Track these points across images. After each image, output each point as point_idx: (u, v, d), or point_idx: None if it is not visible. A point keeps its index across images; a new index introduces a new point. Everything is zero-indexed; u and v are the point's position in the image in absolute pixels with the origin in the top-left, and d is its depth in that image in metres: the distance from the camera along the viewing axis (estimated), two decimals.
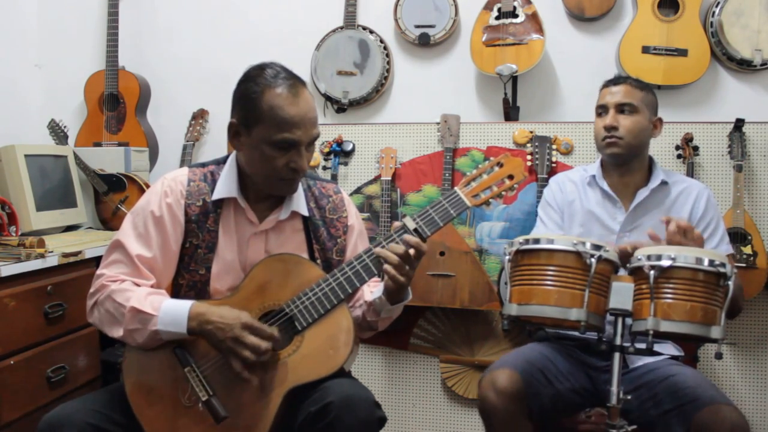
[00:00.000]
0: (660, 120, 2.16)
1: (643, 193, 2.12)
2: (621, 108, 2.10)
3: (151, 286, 1.67)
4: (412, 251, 1.64)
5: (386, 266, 1.64)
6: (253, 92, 1.63)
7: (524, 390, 1.83)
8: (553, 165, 2.65)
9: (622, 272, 1.72)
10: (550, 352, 2.01)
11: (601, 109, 2.15)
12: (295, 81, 1.65)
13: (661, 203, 2.12)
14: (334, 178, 2.85)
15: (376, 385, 2.88)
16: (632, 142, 2.09)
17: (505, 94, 2.78)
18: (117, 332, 1.62)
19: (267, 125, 1.61)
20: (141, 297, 1.60)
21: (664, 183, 2.13)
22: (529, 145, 2.71)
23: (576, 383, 1.97)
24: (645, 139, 2.12)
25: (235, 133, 1.68)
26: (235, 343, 1.55)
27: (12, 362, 1.98)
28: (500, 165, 1.76)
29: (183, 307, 1.60)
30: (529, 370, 1.88)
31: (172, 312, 1.59)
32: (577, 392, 1.97)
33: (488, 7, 2.75)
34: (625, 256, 1.71)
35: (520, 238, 1.71)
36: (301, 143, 1.63)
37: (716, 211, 2.12)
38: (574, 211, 2.19)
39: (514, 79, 2.77)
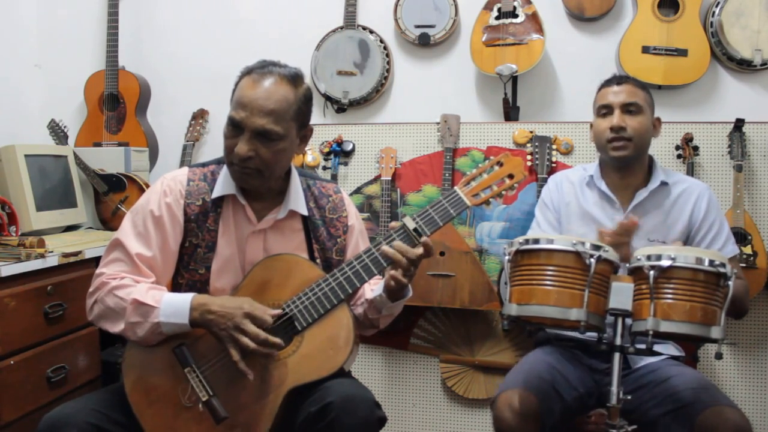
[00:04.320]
0: (659, 120, 2.15)
1: (642, 194, 2.10)
2: (627, 108, 2.05)
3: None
4: (420, 251, 1.64)
5: (392, 272, 1.64)
6: (239, 75, 1.70)
7: (538, 409, 1.82)
8: (553, 165, 2.65)
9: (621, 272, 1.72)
10: (556, 360, 1.99)
11: (605, 109, 2.09)
12: (270, 72, 1.65)
13: (660, 204, 2.10)
14: (334, 178, 2.85)
15: (376, 385, 2.88)
16: (639, 143, 2.07)
17: (505, 94, 2.78)
18: (118, 327, 1.62)
19: (231, 104, 1.68)
20: (142, 291, 1.61)
21: (663, 184, 2.11)
22: (529, 145, 2.71)
23: (583, 389, 1.96)
24: (649, 140, 2.10)
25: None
26: (236, 330, 1.56)
27: (12, 362, 1.98)
28: (500, 164, 1.76)
29: (185, 298, 1.61)
30: (542, 388, 1.87)
31: (174, 303, 1.60)
32: (584, 398, 1.97)
33: (488, 7, 2.75)
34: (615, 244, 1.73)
35: (520, 238, 1.71)
36: (244, 126, 1.62)
37: (719, 212, 2.10)
38: (571, 211, 2.18)
39: (514, 79, 2.77)
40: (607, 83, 2.13)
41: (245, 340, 1.55)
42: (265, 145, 1.63)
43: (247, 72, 1.68)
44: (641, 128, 2.05)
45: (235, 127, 1.64)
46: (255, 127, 1.62)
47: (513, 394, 1.83)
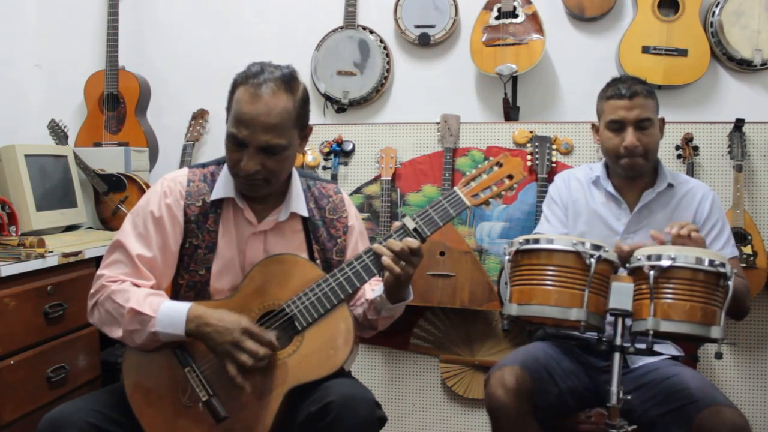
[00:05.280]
0: (663, 120, 2.13)
1: (648, 196, 2.10)
2: (640, 124, 2.01)
3: (151, 287, 1.67)
4: (402, 246, 1.64)
5: (383, 258, 1.64)
6: (233, 83, 1.67)
7: (532, 388, 1.82)
8: (553, 165, 2.65)
9: (621, 272, 1.72)
10: (554, 351, 2.00)
11: (617, 125, 2.02)
12: (265, 81, 1.61)
13: (666, 205, 2.10)
14: (334, 178, 2.85)
15: (376, 385, 2.88)
16: (651, 156, 2.06)
17: (505, 94, 2.78)
18: (117, 333, 1.62)
19: (230, 117, 1.65)
20: (140, 298, 1.60)
21: (670, 186, 2.10)
22: (529, 145, 2.72)
23: (579, 383, 1.97)
24: (658, 146, 2.08)
25: (226, 120, 1.69)
26: (234, 347, 1.55)
27: (12, 362, 1.98)
28: (499, 165, 1.76)
29: (181, 309, 1.60)
30: (536, 368, 1.87)
31: (171, 314, 1.59)
32: (580, 393, 1.97)
33: (488, 7, 2.75)
34: (624, 256, 1.71)
35: (520, 238, 1.71)
36: (247, 143, 1.61)
37: (721, 214, 2.10)
38: (578, 209, 2.18)
39: (514, 79, 2.77)
40: (618, 95, 2.02)
41: (243, 357, 1.54)
42: (270, 157, 1.63)
43: (242, 81, 1.64)
44: (653, 141, 2.04)
45: (237, 143, 1.63)
46: (259, 144, 1.61)
47: (506, 371, 1.83)
